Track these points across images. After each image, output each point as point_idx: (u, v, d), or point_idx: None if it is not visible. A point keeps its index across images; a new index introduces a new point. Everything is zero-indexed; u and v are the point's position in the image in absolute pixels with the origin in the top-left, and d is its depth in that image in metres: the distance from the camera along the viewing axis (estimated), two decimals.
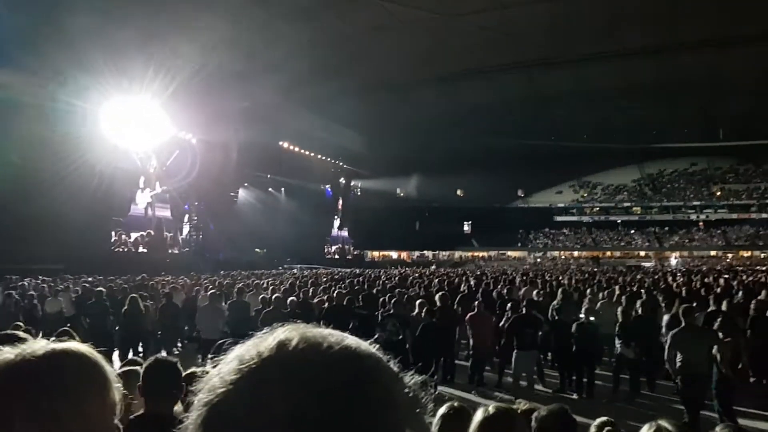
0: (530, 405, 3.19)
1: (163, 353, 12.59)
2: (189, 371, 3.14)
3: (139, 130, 32.71)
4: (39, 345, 1.07)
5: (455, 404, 2.90)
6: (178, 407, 2.86)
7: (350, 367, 0.56)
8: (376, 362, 0.59)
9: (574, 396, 9.81)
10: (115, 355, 12.16)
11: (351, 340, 0.59)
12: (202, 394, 0.57)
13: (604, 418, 3.11)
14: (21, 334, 3.24)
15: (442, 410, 2.83)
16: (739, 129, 65.14)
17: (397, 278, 22.43)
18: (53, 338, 1.13)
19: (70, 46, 25.19)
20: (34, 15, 24.93)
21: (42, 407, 0.99)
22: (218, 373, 0.58)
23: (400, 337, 9.45)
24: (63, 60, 25.43)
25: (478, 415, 2.31)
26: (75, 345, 1.11)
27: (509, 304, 11.20)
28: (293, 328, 0.60)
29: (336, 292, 12.46)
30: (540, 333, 9.85)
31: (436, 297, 11.69)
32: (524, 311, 9.99)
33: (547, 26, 39.34)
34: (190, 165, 37.63)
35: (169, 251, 35.66)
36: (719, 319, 8.45)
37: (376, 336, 9.64)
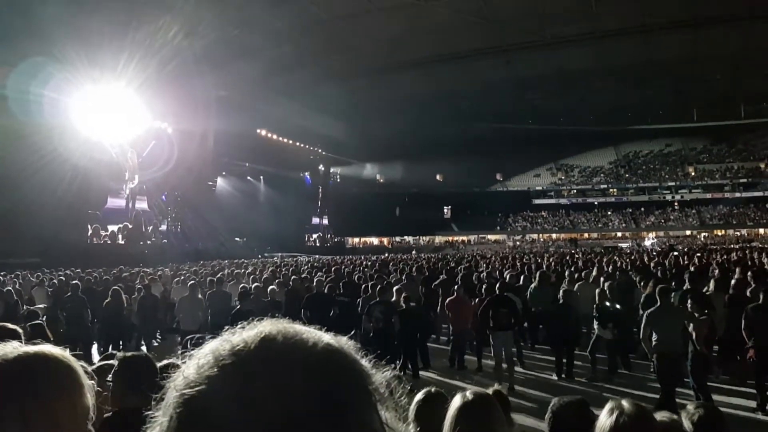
0: (499, 387, 3.20)
1: (143, 347, 12.50)
2: (164, 363, 3.05)
3: (113, 121, 32.15)
4: (10, 348, 1.05)
5: (432, 390, 2.91)
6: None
7: (335, 365, 0.56)
8: (354, 360, 0.59)
9: (554, 377, 9.94)
10: (94, 348, 12.05)
11: (329, 338, 0.59)
12: (178, 388, 0.55)
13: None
14: (9, 326, 3.17)
15: (418, 396, 2.83)
16: (713, 110, 66.08)
17: (377, 265, 22.45)
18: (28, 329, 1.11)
19: (41, 36, 24.60)
20: (3, 4, 24.31)
21: (10, 410, 0.98)
22: (195, 367, 0.55)
23: (388, 324, 9.42)
24: (33, 50, 24.81)
25: (457, 401, 2.29)
26: (48, 348, 1.09)
27: (484, 287, 11.29)
28: (272, 323, 0.59)
29: (316, 280, 12.41)
30: (515, 314, 9.85)
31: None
32: (497, 293, 10.05)
33: (522, 9, 39.35)
34: (167, 155, 37.13)
35: (148, 242, 35.24)
36: (692, 298, 8.54)
37: (364, 324, 9.62)
